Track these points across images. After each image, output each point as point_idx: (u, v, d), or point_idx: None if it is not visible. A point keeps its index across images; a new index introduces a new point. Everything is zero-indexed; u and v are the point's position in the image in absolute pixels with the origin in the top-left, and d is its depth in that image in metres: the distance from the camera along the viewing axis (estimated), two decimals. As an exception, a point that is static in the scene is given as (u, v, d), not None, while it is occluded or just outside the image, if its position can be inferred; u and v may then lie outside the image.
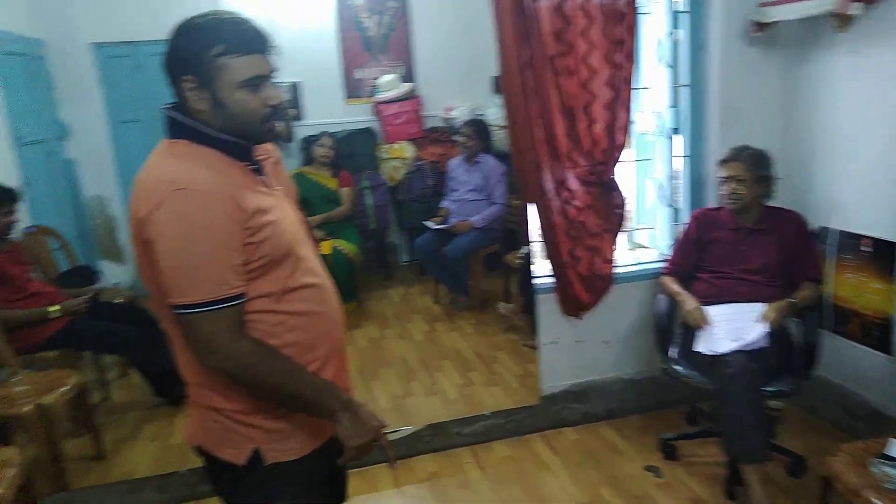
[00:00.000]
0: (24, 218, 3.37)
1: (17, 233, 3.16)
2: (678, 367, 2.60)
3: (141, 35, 4.52)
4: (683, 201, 3.16)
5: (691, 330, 2.60)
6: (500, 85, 3.94)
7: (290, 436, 1.38)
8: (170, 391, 3.26)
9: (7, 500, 1.98)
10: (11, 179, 3.53)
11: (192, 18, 1.26)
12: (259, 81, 1.26)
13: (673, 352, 2.68)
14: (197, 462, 1.44)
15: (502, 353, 3.74)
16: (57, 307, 2.97)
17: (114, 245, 4.99)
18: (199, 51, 1.23)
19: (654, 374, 3.11)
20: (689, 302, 2.62)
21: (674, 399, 3.11)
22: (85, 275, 3.70)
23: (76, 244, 4.35)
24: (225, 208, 1.20)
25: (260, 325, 1.29)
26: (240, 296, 1.24)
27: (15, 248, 3.06)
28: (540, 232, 2.84)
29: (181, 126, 1.28)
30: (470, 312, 4.37)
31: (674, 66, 3.02)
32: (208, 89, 1.25)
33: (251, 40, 1.25)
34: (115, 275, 4.90)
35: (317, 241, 4.29)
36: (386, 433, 1.41)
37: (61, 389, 2.63)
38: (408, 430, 2.89)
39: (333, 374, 1.42)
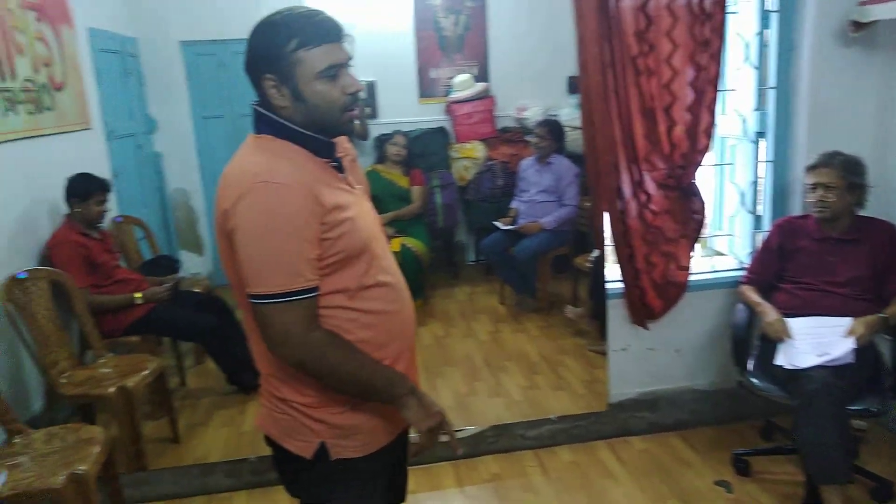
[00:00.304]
0: (112, 208, 3.54)
1: (106, 222, 3.33)
2: (755, 380, 2.50)
3: (226, 34, 4.69)
4: (765, 208, 3.03)
5: (771, 342, 2.49)
6: (576, 85, 3.87)
7: (355, 433, 1.39)
8: (242, 380, 3.36)
9: (92, 476, 2.09)
10: (104, 171, 3.72)
11: (267, 17, 1.28)
12: (336, 70, 1.28)
13: (750, 364, 2.57)
14: (266, 451, 1.48)
15: (569, 357, 3.69)
16: (140, 294, 3.11)
17: (194, 236, 5.19)
18: (276, 48, 1.25)
19: (728, 385, 3.00)
20: (769, 313, 2.51)
21: (748, 413, 3.00)
22: (167, 264, 3.85)
23: (159, 234, 4.55)
24: (304, 202, 1.22)
25: (333, 321, 1.31)
26: (314, 289, 1.26)
27: (104, 236, 3.22)
28: (613, 236, 2.78)
29: (266, 121, 1.32)
30: (536, 315, 4.33)
31: (760, 68, 2.91)
32: (288, 85, 1.27)
33: (325, 30, 1.26)
34: (195, 265, 5.11)
35: (387, 239, 4.34)
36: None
37: (142, 373, 2.75)
38: (471, 429, 2.89)
39: (403, 372, 1.42)
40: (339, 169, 1.39)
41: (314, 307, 1.27)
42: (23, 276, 2.67)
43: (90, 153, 3.74)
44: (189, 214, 5.15)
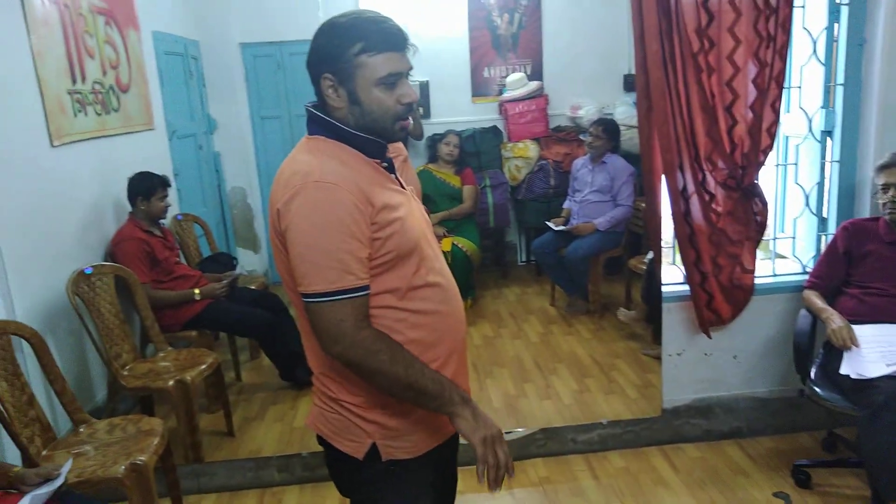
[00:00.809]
0: (173, 206, 3.65)
1: (167, 220, 3.44)
2: (818, 389, 2.40)
3: (284, 35, 4.78)
4: (830, 210, 2.92)
5: (836, 350, 2.39)
6: (633, 83, 3.80)
7: (406, 434, 1.38)
8: (295, 376, 3.42)
9: (150, 466, 2.15)
10: (166, 170, 3.85)
11: (334, 18, 1.30)
12: (395, 79, 1.29)
13: (812, 372, 2.47)
14: (317, 447, 1.49)
15: (621, 360, 3.62)
16: (199, 290, 3.19)
17: (250, 234, 5.31)
18: (339, 49, 1.26)
19: (789, 394, 2.89)
20: (835, 319, 2.41)
21: (809, 423, 2.89)
22: (224, 261, 3.94)
23: (217, 232, 4.67)
24: (354, 201, 1.22)
25: (382, 321, 1.31)
26: (365, 287, 1.26)
27: (165, 233, 3.33)
28: (677, 238, 2.71)
29: (319, 122, 1.33)
30: (588, 317, 4.27)
31: (828, 64, 2.79)
32: (346, 87, 1.28)
33: (389, 38, 1.27)
34: (251, 262, 5.23)
35: (438, 238, 4.35)
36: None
37: (199, 367, 2.82)
38: (520, 431, 2.86)
39: (453, 374, 1.41)
40: (390, 169, 1.39)
41: (365, 306, 1.27)
42: (89, 271, 2.77)
43: (153, 153, 3.87)
44: (246, 213, 5.27)
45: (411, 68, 1.32)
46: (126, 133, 3.51)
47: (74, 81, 3.01)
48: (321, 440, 1.46)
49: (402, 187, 1.40)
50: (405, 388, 1.29)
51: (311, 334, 1.32)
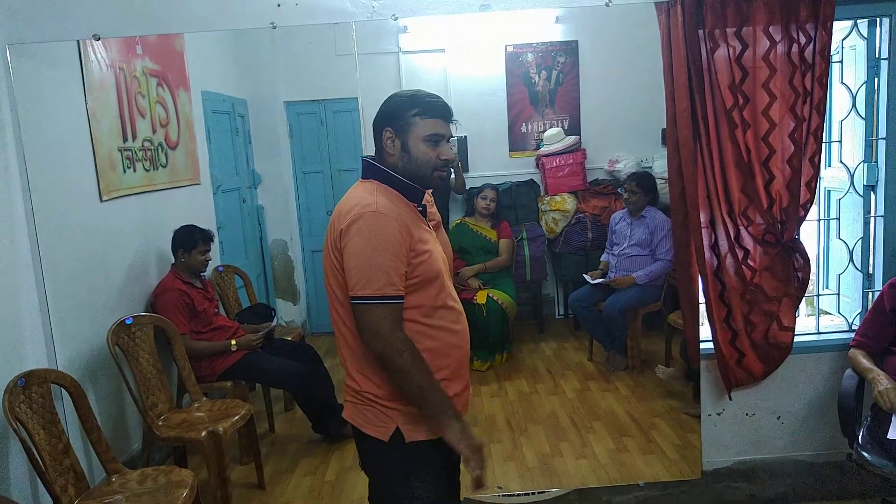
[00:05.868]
0: (216, 258, 3.75)
1: (209, 272, 3.52)
2: (866, 454, 2.28)
3: (326, 94, 4.94)
4: (877, 266, 2.82)
5: (885, 413, 2.27)
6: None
7: (423, 419, 1.67)
8: (327, 427, 3.41)
9: (178, 518, 2.16)
10: (210, 223, 3.96)
11: (401, 91, 1.74)
12: (438, 139, 1.69)
13: (860, 436, 2.36)
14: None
15: (660, 419, 3.51)
16: (235, 341, 3.24)
17: (290, 285, 5.38)
18: (400, 111, 1.69)
19: (837, 458, 2.76)
20: (881, 380, 2.31)
21: (861, 489, 2.76)
22: (262, 312, 3.99)
23: (257, 283, 4.75)
24: (400, 229, 1.60)
25: (407, 332, 1.63)
26: (401, 298, 1.61)
27: (206, 285, 3.41)
28: (709, 294, 2.65)
29: (373, 170, 1.73)
30: (627, 373, 4.17)
31: (869, 118, 2.75)
32: (401, 139, 1.69)
33: (438, 109, 1.69)
34: (289, 313, 5.29)
35: (473, 291, 4.35)
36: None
37: (233, 419, 2.84)
38: (554, 492, 2.79)
39: (460, 386, 1.76)
40: (423, 213, 1.77)
41: (399, 312, 1.62)
42: (129, 321, 2.85)
43: (198, 206, 3.99)
44: (286, 264, 5.36)
45: (452, 136, 1.73)
46: (172, 188, 3.65)
47: (125, 139, 3.16)
48: (355, 430, 1.76)
49: (431, 229, 1.78)
50: (415, 389, 1.61)
51: (351, 339, 1.67)
